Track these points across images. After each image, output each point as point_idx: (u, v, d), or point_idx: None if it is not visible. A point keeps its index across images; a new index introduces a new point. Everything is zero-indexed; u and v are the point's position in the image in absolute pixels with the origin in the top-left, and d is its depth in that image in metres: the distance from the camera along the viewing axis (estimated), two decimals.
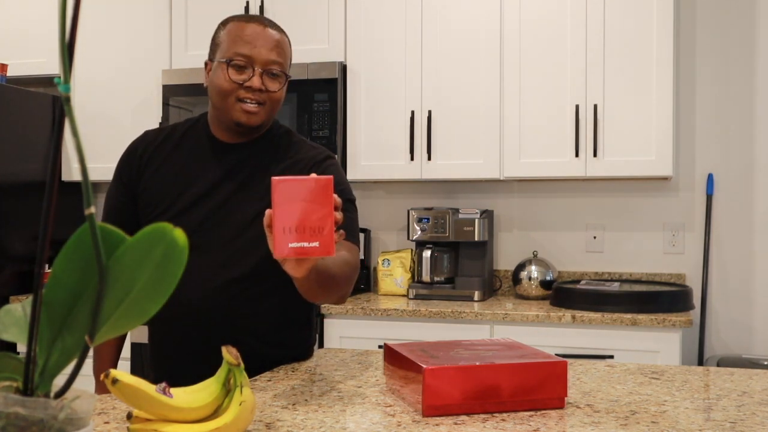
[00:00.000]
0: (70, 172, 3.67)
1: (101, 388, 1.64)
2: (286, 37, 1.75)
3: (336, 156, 3.20)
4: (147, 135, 1.83)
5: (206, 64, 1.75)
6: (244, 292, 1.69)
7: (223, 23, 1.74)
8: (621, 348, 2.85)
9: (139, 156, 1.78)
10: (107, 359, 1.81)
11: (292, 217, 1.20)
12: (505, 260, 3.60)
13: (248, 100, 1.66)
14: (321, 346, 3.08)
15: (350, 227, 1.73)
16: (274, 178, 1.21)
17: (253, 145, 1.76)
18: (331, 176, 1.23)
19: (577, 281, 3.33)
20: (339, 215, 1.26)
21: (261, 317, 1.72)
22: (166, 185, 1.74)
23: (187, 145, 1.78)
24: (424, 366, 1.24)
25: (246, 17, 1.73)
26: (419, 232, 3.33)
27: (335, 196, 1.24)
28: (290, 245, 1.20)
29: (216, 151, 1.75)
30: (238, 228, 1.69)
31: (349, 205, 1.76)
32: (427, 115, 3.32)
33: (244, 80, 1.66)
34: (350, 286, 1.64)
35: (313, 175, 1.23)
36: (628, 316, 2.85)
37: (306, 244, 1.20)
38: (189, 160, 1.76)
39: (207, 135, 1.77)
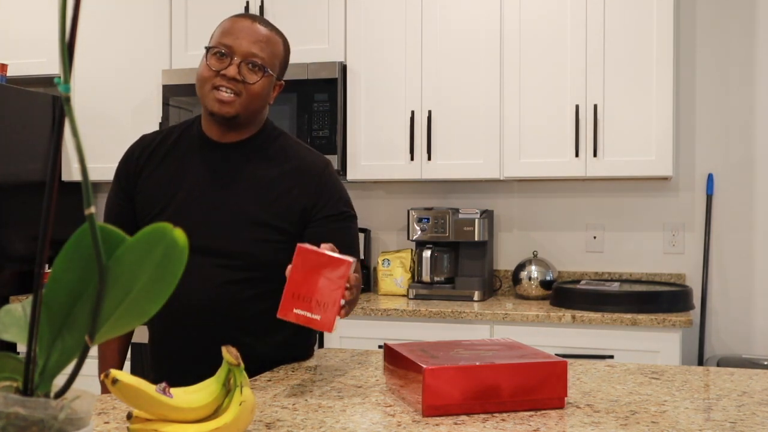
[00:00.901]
0: (70, 172, 3.67)
1: (105, 391, 1.64)
2: (280, 38, 1.75)
3: (334, 157, 3.20)
4: (144, 139, 1.84)
5: None
6: (244, 293, 1.69)
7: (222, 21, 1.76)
8: (621, 348, 2.85)
9: (136, 159, 1.79)
10: (111, 363, 1.81)
11: (304, 286, 1.31)
12: (505, 260, 3.60)
13: (222, 88, 1.66)
14: (321, 346, 3.08)
15: (350, 242, 1.76)
16: (299, 246, 1.33)
17: (245, 146, 1.76)
18: (351, 261, 1.33)
19: (577, 281, 3.33)
20: (348, 294, 1.36)
21: (260, 318, 1.72)
22: (161, 187, 1.74)
23: (182, 147, 1.78)
24: (424, 366, 1.24)
25: (242, 14, 1.75)
26: (419, 232, 3.33)
27: (353, 275, 1.35)
28: (294, 311, 1.32)
29: (208, 151, 1.75)
30: (236, 230, 1.69)
31: (348, 219, 1.78)
32: (427, 115, 3.32)
33: (221, 68, 1.66)
34: (355, 305, 1.71)
35: (336, 254, 1.34)
36: (628, 316, 2.85)
37: (309, 314, 1.32)
38: (183, 161, 1.76)
39: (199, 134, 1.78)
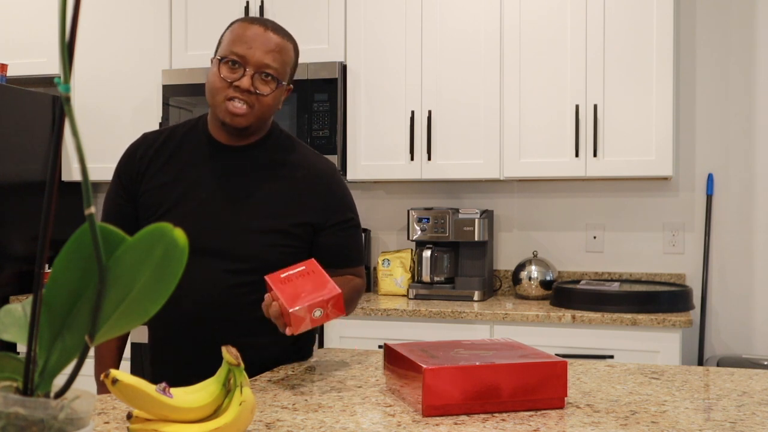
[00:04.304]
0: (70, 172, 3.67)
1: (102, 391, 1.64)
2: (291, 43, 1.72)
3: (335, 156, 3.20)
4: (146, 137, 1.82)
5: (211, 61, 1.73)
6: (249, 296, 1.69)
7: (232, 22, 1.73)
8: (621, 348, 2.85)
9: (139, 159, 1.77)
10: (109, 363, 1.80)
11: (291, 296, 1.40)
12: (505, 260, 3.60)
13: (236, 100, 1.65)
14: (321, 346, 3.08)
15: (357, 248, 1.84)
16: (265, 277, 1.47)
17: (253, 149, 1.75)
18: (310, 260, 1.49)
19: (577, 281, 3.32)
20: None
21: (261, 319, 1.71)
22: (166, 188, 1.73)
23: (187, 148, 1.77)
24: (424, 366, 1.24)
25: (252, 19, 1.71)
26: (419, 232, 3.33)
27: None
28: (297, 309, 1.39)
29: (215, 154, 1.75)
30: (244, 234, 1.69)
31: (354, 226, 1.82)
32: (427, 115, 3.32)
33: (234, 79, 1.64)
34: (356, 305, 1.81)
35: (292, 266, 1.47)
36: (628, 316, 2.85)
37: (312, 301, 1.39)
38: (188, 163, 1.75)
39: (206, 136, 1.77)
